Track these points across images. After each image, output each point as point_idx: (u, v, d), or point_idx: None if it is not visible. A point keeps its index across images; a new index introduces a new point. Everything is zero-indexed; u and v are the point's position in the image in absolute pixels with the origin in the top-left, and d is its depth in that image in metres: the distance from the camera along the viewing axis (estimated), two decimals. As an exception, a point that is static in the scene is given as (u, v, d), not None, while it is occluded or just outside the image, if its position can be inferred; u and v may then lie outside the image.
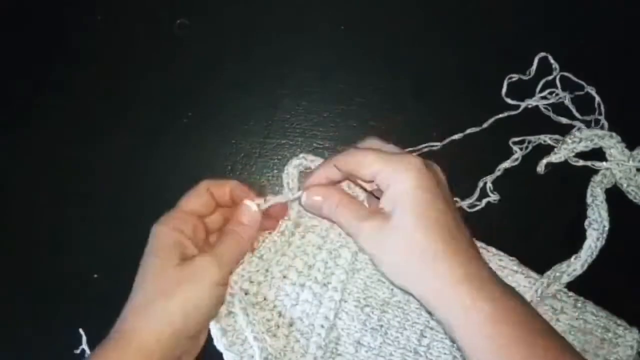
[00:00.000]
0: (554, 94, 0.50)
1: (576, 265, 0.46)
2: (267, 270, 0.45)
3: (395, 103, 0.51)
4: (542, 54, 0.50)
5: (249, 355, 0.44)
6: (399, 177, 0.39)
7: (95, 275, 0.49)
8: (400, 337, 0.45)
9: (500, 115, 0.49)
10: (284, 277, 0.45)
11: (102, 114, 0.51)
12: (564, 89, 0.50)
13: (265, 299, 0.45)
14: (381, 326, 0.45)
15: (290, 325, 0.45)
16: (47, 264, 0.49)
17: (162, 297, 0.39)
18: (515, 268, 0.46)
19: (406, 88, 0.51)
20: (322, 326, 0.44)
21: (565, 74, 0.50)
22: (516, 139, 0.49)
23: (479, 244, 0.46)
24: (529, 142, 0.49)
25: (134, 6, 0.52)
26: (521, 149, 0.49)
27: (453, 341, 0.39)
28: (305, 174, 0.46)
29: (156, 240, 0.41)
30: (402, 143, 0.49)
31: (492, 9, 0.52)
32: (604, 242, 0.46)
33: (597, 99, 0.49)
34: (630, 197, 0.48)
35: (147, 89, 0.51)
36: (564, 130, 0.49)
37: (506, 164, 0.49)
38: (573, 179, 0.48)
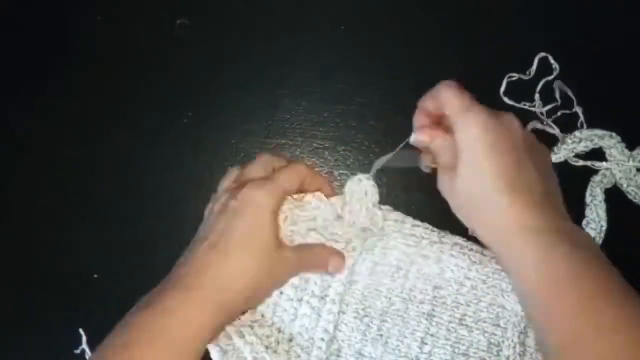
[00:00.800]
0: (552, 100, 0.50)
1: None
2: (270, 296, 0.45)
3: (395, 103, 0.50)
4: (542, 54, 0.50)
5: None
6: (463, 127, 0.41)
7: (95, 275, 0.49)
8: (401, 345, 0.45)
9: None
10: (281, 293, 0.45)
11: (102, 114, 0.51)
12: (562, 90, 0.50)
13: (263, 316, 0.45)
14: (381, 336, 0.45)
15: (290, 340, 0.45)
16: (47, 264, 0.49)
17: (252, 278, 0.40)
18: None
19: (406, 88, 0.51)
20: (322, 339, 0.44)
21: (557, 83, 0.50)
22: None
23: (475, 245, 0.46)
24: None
25: (134, 6, 0.52)
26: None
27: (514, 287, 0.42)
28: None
29: (261, 210, 0.41)
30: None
31: (492, 9, 0.52)
32: (601, 241, 0.46)
33: (581, 118, 0.49)
34: (630, 197, 0.48)
35: (147, 89, 0.51)
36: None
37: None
38: (573, 179, 0.48)
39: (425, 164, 0.46)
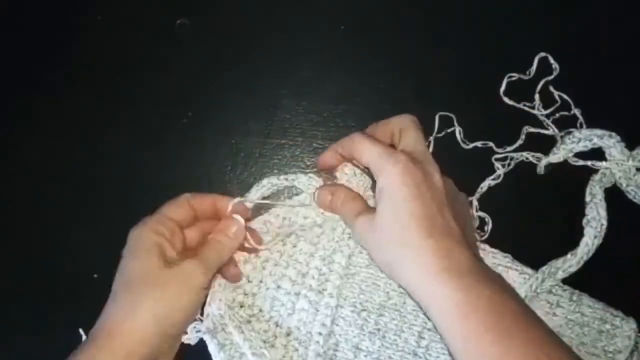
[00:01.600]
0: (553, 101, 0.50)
1: (572, 261, 0.46)
2: (260, 282, 0.45)
3: (395, 103, 0.51)
4: (542, 54, 0.50)
5: None
6: (385, 172, 0.41)
7: (95, 275, 0.49)
8: (398, 339, 0.45)
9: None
10: (278, 287, 0.45)
11: (102, 114, 0.51)
12: (563, 89, 0.50)
13: (261, 310, 0.45)
14: (379, 330, 0.45)
15: (288, 334, 0.45)
16: (47, 263, 0.49)
17: (149, 299, 0.39)
18: (509, 264, 0.46)
19: (406, 88, 0.51)
20: (320, 333, 0.44)
21: (551, 89, 0.50)
22: (498, 156, 0.49)
23: None
24: (511, 158, 0.49)
25: (134, 6, 0.53)
26: (503, 166, 0.49)
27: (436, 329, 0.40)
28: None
29: (137, 242, 0.41)
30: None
31: (492, 9, 0.52)
32: (601, 240, 0.46)
33: (580, 118, 0.49)
34: (630, 196, 0.48)
35: (147, 89, 0.51)
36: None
37: (488, 181, 0.49)
38: (573, 179, 0.48)
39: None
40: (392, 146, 0.44)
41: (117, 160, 0.51)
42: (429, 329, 0.45)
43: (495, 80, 0.50)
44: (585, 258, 0.46)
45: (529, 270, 0.46)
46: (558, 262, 0.46)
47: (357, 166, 0.45)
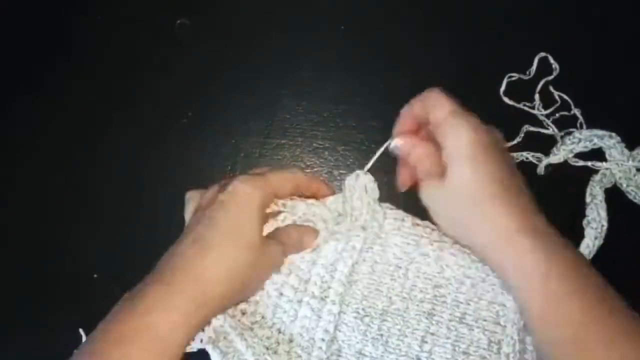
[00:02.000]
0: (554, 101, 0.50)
1: None
2: (262, 289, 0.45)
3: (395, 103, 0.50)
4: (542, 54, 0.50)
5: None
6: (456, 131, 0.40)
7: (95, 275, 0.49)
8: (401, 344, 0.45)
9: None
10: (281, 294, 0.45)
11: (102, 114, 0.51)
12: (563, 89, 0.50)
13: (263, 317, 0.45)
14: (382, 335, 0.45)
15: (291, 341, 0.45)
16: (47, 264, 0.49)
17: (238, 275, 0.39)
18: None
19: (406, 88, 0.50)
20: (323, 340, 0.44)
21: (551, 89, 0.50)
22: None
23: None
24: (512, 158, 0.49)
25: (134, 6, 0.53)
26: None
27: (508, 293, 0.41)
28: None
29: (248, 203, 0.40)
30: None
31: (492, 9, 0.52)
32: (602, 241, 0.46)
33: (580, 118, 0.49)
34: (630, 197, 0.48)
35: (147, 89, 0.51)
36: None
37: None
38: (573, 179, 0.48)
39: (402, 182, 0.46)
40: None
41: (117, 160, 0.51)
42: (432, 334, 0.45)
43: (495, 80, 0.50)
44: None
45: None
46: None
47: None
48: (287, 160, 0.51)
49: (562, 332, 0.37)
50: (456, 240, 0.43)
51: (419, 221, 0.47)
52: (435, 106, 0.42)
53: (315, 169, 0.50)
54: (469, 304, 0.45)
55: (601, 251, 0.47)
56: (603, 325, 0.36)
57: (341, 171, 0.50)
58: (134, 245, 0.49)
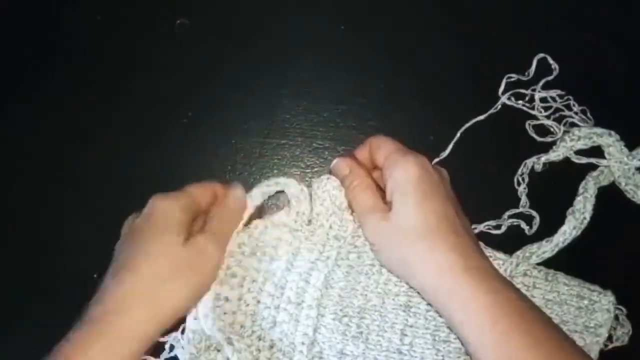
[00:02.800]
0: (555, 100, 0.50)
1: (546, 247, 0.47)
2: (239, 299, 0.45)
3: (395, 103, 0.51)
4: (541, 54, 0.50)
5: None
6: (402, 166, 0.40)
7: (95, 275, 0.49)
8: (382, 340, 0.45)
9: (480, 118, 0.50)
10: (258, 302, 0.45)
11: (102, 114, 0.51)
12: (562, 89, 0.50)
13: (242, 326, 0.45)
14: (361, 333, 0.45)
15: (271, 347, 0.44)
16: (47, 264, 0.49)
17: (172, 280, 0.38)
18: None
19: (406, 88, 0.51)
20: (303, 343, 0.44)
21: (551, 92, 0.50)
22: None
23: None
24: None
25: (134, 6, 0.52)
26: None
27: (453, 331, 0.40)
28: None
29: (165, 216, 0.40)
30: (402, 143, 0.49)
31: (492, 9, 0.52)
32: (579, 232, 0.47)
33: (580, 118, 0.49)
34: (629, 195, 0.48)
35: (147, 89, 0.51)
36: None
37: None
38: (573, 177, 0.49)
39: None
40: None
41: (117, 160, 0.51)
42: (410, 326, 0.45)
43: (495, 80, 0.50)
44: (560, 246, 0.47)
45: (501, 256, 0.47)
46: (533, 247, 0.47)
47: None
48: (287, 160, 0.51)
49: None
50: (402, 279, 0.43)
51: None
52: (380, 147, 0.43)
53: (315, 169, 0.50)
54: None
55: (599, 250, 0.47)
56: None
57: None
58: (134, 245, 0.49)
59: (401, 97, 0.51)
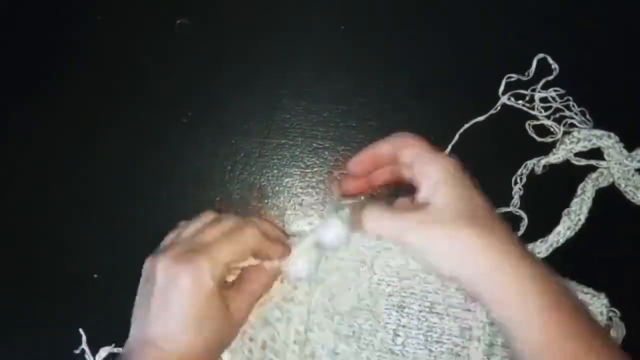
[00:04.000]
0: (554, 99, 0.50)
1: (541, 248, 0.47)
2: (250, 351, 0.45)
3: (395, 103, 0.51)
4: (541, 55, 0.50)
5: None
6: (439, 163, 0.40)
7: (95, 275, 0.49)
8: (374, 340, 0.44)
9: (480, 118, 0.50)
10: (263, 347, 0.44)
11: (102, 113, 0.51)
12: (562, 89, 0.50)
13: None
14: (354, 332, 0.44)
15: (263, 348, 0.44)
16: (47, 264, 0.49)
17: (204, 330, 0.38)
18: None
19: (406, 88, 0.51)
20: (295, 342, 0.44)
21: (551, 93, 0.50)
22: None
23: None
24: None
25: (134, 6, 0.52)
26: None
27: (500, 328, 0.39)
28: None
29: (191, 287, 0.38)
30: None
31: (492, 9, 0.52)
32: (573, 233, 0.47)
33: (580, 119, 0.49)
34: (629, 197, 0.48)
35: (147, 89, 0.51)
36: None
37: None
38: (573, 179, 0.49)
39: (345, 190, 0.45)
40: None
41: (117, 160, 0.51)
42: (403, 326, 0.44)
43: (495, 80, 0.50)
44: (554, 246, 0.47)
45: None
46: (528, 247, 0.47)
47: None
48: (287, 160, 0.51)
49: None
50: (451, 276, 0.40)
51: None
52: (407, 146, 0.42)
53: (315, 169, 0.50)
54: (437, 293, 0.44)
55: (599, 251, 0.47)
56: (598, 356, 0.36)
57: (341, 171, 0.50)
58: (134, 246, 0.49)
59: (401, 97, 0.51)
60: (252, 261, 0.43)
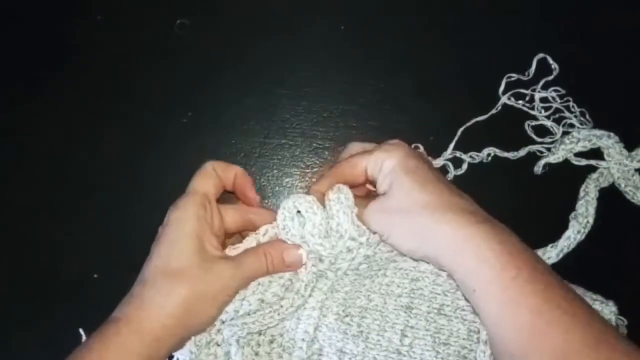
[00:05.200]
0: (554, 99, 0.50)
1: (552, 253, 0.47)
2: (242, 300, 0.45)
3: (395, 103, 0.51)
4: (541, 55, 0.50)
5: None
6: (387, 156, 0.42)
7: (95, 275, 0.49)
8: (381, 340, 0.45)
9: (480, 118, 0.50)
10: (262, 301, 0.44)
11: (102, 113, 0.51)
12: (562, 89, 0.50)
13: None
14: (362, 332, 0.44)
15: (271, 342, 0.44)
16: (47, 264, 0.49)
17: (183, 293, 0.39)
18: None
19: (406, 88, 0.51)
20: (303, 340, 0.44)
21: (551, 93, 0.50)
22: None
23: None
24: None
25: (134, 6, 0.53)
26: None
27: (466, 294, 0.40)
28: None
29: (178, 229, 0.41)
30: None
31: (492, 9, 0.52)
32: (583, 236, 0.47)
33: (580, 119, 0.49)
34: (628, 197, 0.48)
35: (147, 89, 0.51)
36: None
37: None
38: (573, 179, 0.49)
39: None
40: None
41: (116, 160, 0.51)
42: (411, 327, 0.44)
43: (495, 80, 0.50)
44: (565, 251, 0.46)
45: None
46: (538, 252, 0.47)
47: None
48: (287, 160, 0.51)
49: (520, 316, 0.36)
50: (412, 253, 0.42)
51: None
52: (353, 167, 0.43)
53: (315, 169, 0.51)
54: (446, 295, 0.45)
55: (598, 251, 0.47)
56: (558, 309, 0.36)
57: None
58: (133, 245, 0.49)
59: (401, 97, 0.51)
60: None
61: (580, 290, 0.45)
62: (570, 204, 0.48)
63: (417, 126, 0.50)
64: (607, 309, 0.45)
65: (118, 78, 0.52)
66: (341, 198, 0.44)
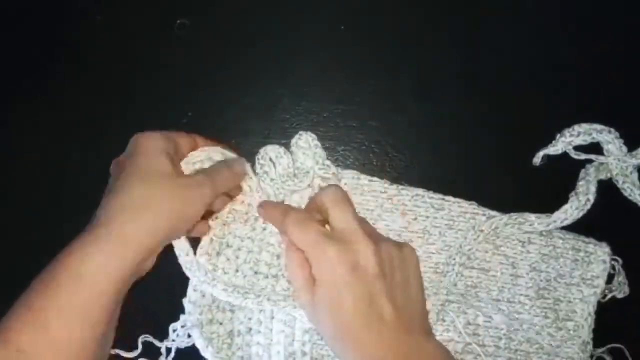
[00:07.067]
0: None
1: (543, 221, 0.47)
2: (236, 271, 0.45)
3: (395, 103, 0.51)
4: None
5: (238, 357, 0.44)
6: (318, 260, 0.39)
7: (96, 275, 0.48)
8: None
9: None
10: (256, 273, 0.45)
11: (102, 113, 0.51)
12: (563, 88, 0.50)
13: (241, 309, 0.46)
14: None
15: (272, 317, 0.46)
16: (47, 263, 0.49)
17: (164, 196, 0.39)
18: (475, 210, 0.47)
19: (406, 88, 0.51)
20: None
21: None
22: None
23: (434, 193, 0.48)
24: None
25: (134, 6, 0.52)
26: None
27: None
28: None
29: (147, 145, 0.42)
30: (403, 143, 0.50)
31: (492, 9, 0.52)
32: (580, 215, 0.46)
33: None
34: (626, 194, 0.48)
35: (147, 89, 0.51)
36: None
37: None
38: (572, 173, 0.49)
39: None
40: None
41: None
42: None
43: (495, 80, 0.50)
44: (557, 224, 0.47)
45: (495, 213, 0.47)
46: (531, 217, 0.47)
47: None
48: (287, 160, 0.51)
49: None
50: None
51: (374, 178, 0.48)
52: (295, 238, 0.41)
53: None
54: (440, 254, 0.45)
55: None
56: None
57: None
58: (134, 245, 0.49)
59: (401, 97, 0.51)
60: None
61: (572, 235, 0.46)
62: (565, 195, 0.48)
63: (417, 126, 0.51)
64: (601, 250, 0.46)
65: (118, 78, 0.52)
66: (300, 143, 0.47)
